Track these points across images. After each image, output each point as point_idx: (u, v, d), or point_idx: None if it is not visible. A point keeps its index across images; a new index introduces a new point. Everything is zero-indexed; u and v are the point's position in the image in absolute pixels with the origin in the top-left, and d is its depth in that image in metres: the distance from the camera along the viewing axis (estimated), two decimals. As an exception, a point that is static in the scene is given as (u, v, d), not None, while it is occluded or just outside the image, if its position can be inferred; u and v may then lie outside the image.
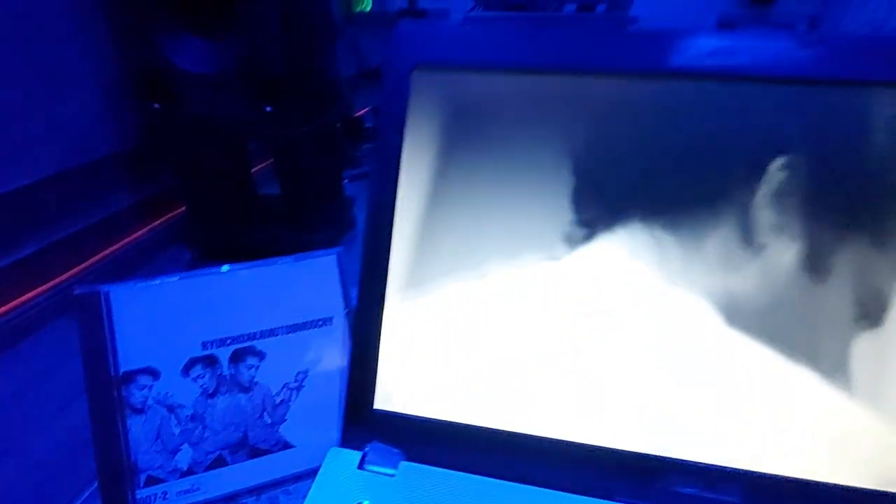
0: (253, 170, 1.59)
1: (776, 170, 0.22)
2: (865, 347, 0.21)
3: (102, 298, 0.24)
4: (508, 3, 1.35)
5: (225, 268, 0.29)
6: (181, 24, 1.01)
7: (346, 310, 0.28)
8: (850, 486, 0.21)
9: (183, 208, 1.35)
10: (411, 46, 0.26)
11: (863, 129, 0.22)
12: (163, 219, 1.32)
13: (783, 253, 0.22)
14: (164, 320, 0.26)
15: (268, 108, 1.03)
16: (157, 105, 1.04)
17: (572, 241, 0.25)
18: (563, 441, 0.25)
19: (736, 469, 0.23)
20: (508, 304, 0.26)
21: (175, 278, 0.26)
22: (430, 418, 0.27)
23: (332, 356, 0.28)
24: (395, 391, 0.27)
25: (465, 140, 0.25)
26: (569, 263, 0.25)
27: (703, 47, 0.24)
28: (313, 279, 0.28)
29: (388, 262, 0.26)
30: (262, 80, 1.02)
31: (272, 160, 1.43)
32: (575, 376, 0.25)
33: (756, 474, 0.23)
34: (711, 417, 0.23)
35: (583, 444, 0.25)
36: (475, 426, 0.26)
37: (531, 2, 1.33)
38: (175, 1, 0.98)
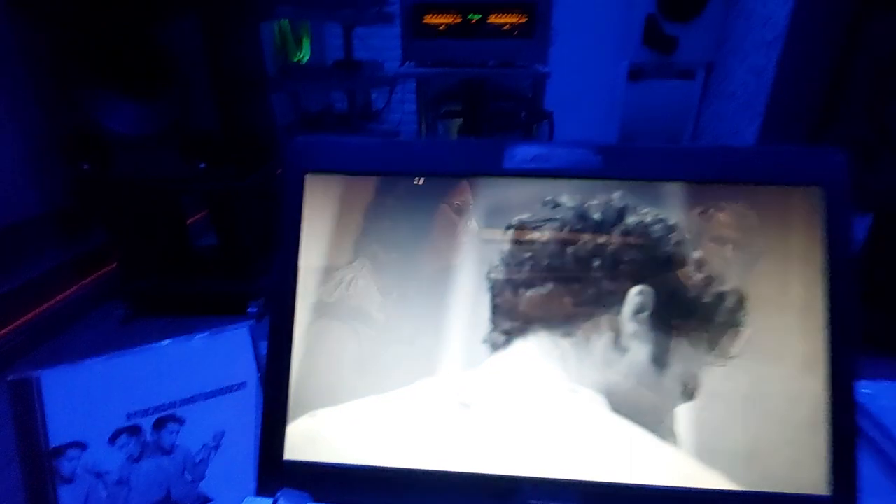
0: (189, 220, 1.59)
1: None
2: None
3: (34, 384, 0.27)
4: (437, 59, 1.46)
5: (165, 343, 0.32)
6: (111, 88, 1.03)
7: (259, 374, 0.33)
8: (661, 486, 0.29)
9: (114, 265, 1.32)
10: (304, 156, 0.32)
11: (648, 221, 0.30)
12: (93, 276, 1.29)
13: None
14: (91, 397, 0.29)
15: (202, 166, 1.06)
16: (86, 166, 1.04)
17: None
18: (444, 472, 0.31)
19: (576, 480, 0.30)
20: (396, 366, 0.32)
21: (102, 358, 0.30)
22: (333, 463, 0.31)
23: (247, 416, 0.32)
24: (302, 443, 0.32)
25: (354, 235, 0.31)
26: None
27: (528, 153, 0.32)
28: (228, 350, 0.32)
29: (291, 332, 0.31)
30: (195, 139, 1.05)
31: (208, 211, 1.44)
32: (465, 426, 0.31)
33: (590, 483, 0.29)
34: (567, 451, 0.30)
35: (459, 473, 0.31)
36: (371, 466, 0.31)
37: (457, 59, 1.45)
38: (105, 65, 1.01)
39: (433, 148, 0.32)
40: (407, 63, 1.51)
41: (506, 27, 1.37)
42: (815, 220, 0.29)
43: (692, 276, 0.30)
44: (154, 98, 1.04)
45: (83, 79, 1.01)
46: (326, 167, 0.32)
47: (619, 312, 0.30)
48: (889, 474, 0.36)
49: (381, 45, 2.85)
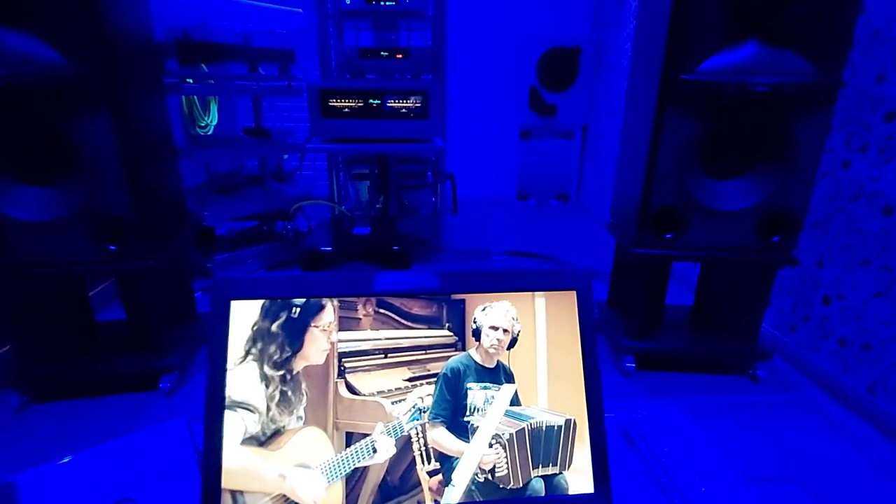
0: (91, 292, 1.54)
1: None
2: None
3: (14, 488, 0.35)
4: (343, 136, 1.61)
5: (119, 439, 0.40)
6: (13, 176, 1.04)
7: (197, 459, 0.42)
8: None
9: (5, 348, 1.26)
10: (228, 287, 0.43)
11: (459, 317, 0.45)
12: (-19, 362, 1.22)
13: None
14: (61, 492, 0.37)
15: (112, 248, 1.09)
16: (-18, 253, 1.03)
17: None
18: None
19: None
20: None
21: (70, 459, 0.38)
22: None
23: (189, 490, 0.41)
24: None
25: (267, 344, 0.43)
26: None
27: (392, 279, 0.46)
28: (169, 439, 0.41)
29: (222, 426, 0.42)
30: (105, 222, 1.07)
31: (118, 289, 1.42)
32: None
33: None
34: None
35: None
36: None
37: (361, 136, 1.61)
38: (8, 157, 1.02)
39: (323, 278, 0.45)
40: (311, 140, 1.64)
41: (403, 110, 1.57)
42: (573, 309, 0.46)
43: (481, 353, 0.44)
44: (60, 185, 1.06)
45: (-19, 168, 1.01)
46: (245, 295, 0.43)
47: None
48: (648, 472, 0.53)
49: (289, 106, 2.98)
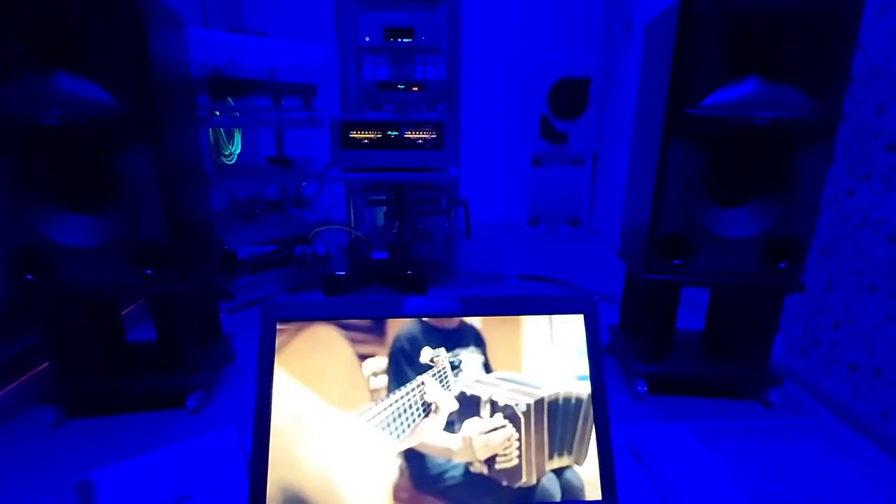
0: (122, 312, 1.62)
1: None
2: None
3: (95, 483, 0.40)
4: (362, 166, 1.69)
5: (177, 445, 0.46)
6: (59, 204, 1.12)
7: (245, 464, 0.47)
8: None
9: (44, 366, 1.33)
10: (275, 310, 0.49)
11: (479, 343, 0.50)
12: (19, 380, 1.29)
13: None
14: (131, 490, 0.42)
15: (148, 272, 1.16)
16: (30, 277, 1.11)
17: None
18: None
19: None
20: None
21: (137, 459, 0.43)
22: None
23: (239, 492, 0.46)
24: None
25: (313, 365, 0.48)
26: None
27: (418, 303, 0.51)
28: (221, 445, 0.46)
29: (269, 435, 0.47)
30: (143, 248, 1.15)
31: (150, 311, 1.48)
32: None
33: None
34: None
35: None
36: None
37: (379, 166, 1.68)
38: (52, 183, 1.10)
39: (357, 302, 0.50)
40: (331, 167, 1.72)
41: (419, 141, 1.65)
42: (580, 330, 0.51)
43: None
44: (102, 214, 1.14)
45: (33, 198, 1.10)
46: (290, 317, 0.49)
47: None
48: (655, 491, 0.56)
49: (309, 136, 3.09)
